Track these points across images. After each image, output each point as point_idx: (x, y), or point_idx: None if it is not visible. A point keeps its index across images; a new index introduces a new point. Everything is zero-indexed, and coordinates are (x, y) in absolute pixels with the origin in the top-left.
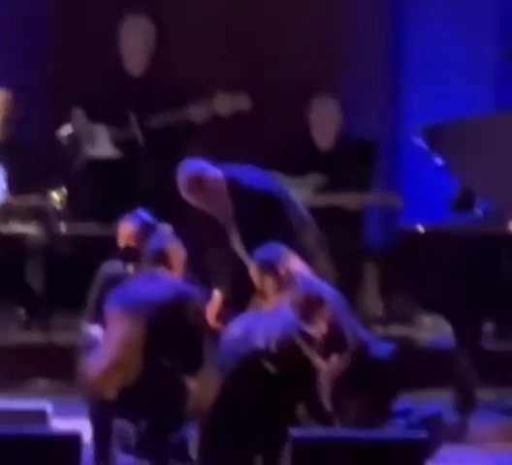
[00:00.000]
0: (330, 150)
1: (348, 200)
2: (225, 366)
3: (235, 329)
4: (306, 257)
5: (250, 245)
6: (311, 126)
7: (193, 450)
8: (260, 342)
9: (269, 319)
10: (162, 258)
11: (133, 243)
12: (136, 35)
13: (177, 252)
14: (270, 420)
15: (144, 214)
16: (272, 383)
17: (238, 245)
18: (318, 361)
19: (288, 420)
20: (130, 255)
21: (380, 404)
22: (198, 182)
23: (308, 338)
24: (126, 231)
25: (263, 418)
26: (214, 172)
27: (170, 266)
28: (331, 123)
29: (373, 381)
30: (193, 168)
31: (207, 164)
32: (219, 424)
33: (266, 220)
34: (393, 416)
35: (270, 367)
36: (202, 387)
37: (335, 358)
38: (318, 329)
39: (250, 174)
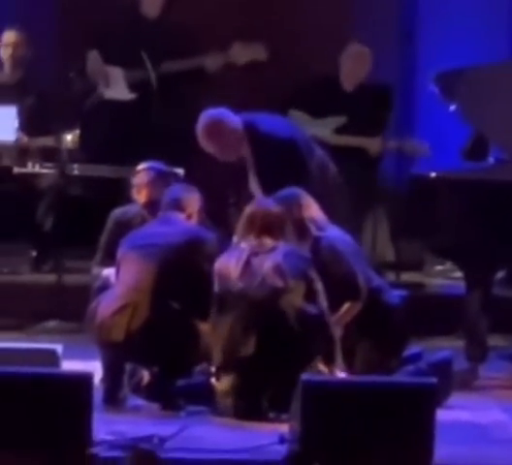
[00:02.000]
0: (351, 93)
1: (370, 142)
2: (242, 310)
3: (234, 271)
4: (324, 203)
5: (269, 191)
6: (342, 70)
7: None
8: (276, 281)
9: (273, 256)
10: (178, 206)
11: (148, 194)
12: None
13: (194, 201)
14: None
15: (158, 164)
16: (293, 327)
17: (256, 190)
18: (322, 297)
19: (305, 365)
20: (146, 206)
21: (392, 351)
22: (216, 130)
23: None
24: (140, 182)
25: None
26: (233, 120)
27: (185, 215)
28: (363, 70)
29: (386, 327)
30: (212, 116)
31: (226, 111)
32: (254, 370)
33: (285, 165)
34: (403, 362)
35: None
36: (215, 330)
37: (347, 305)
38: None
39: (270, 120)
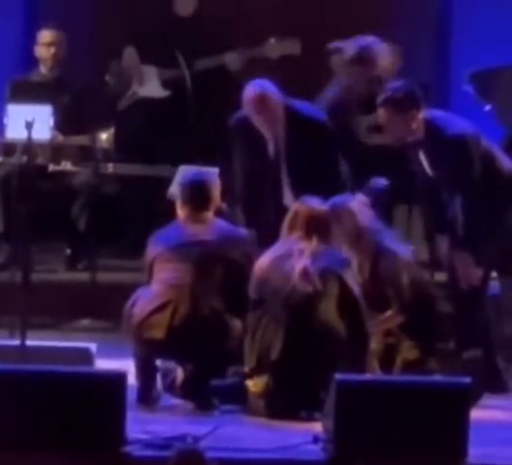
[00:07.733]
0: None
1: None
2: (274, 314)
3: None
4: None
5: (299, 177)
6: None
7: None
8: (305, 286)
9: (303, 260)
10: (204, 205)
11: None
12: None
13: (215, 190)
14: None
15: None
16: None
17: (285, 176)
18: (359, 295)
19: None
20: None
21: (432, 352)
22: (263, 99)
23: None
24: None
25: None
26: (277, 93)
27: (212, 209)
28: (392, 69)
29: (431, 332)
30: (259, 85)
31: (270, 84)
32: (283, 373)
33: (319, 149)
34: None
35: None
36: (251, 333)
37: (390, 313)
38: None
39: (307, 106)
